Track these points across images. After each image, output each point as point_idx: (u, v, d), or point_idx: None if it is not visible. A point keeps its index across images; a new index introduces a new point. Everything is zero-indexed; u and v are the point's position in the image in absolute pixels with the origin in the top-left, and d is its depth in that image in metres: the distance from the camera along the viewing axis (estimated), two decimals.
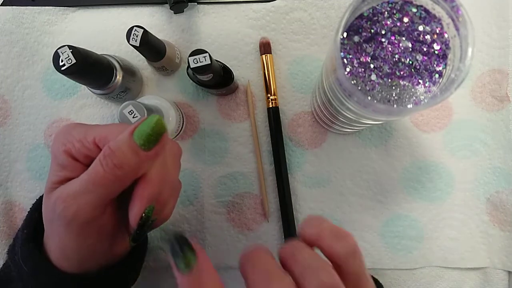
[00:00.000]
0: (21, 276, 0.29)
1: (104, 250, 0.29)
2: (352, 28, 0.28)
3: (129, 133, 0.25)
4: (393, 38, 0.27)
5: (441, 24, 0.27)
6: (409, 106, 0.27)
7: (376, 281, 0.34)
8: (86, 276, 0.29)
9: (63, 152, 0.27)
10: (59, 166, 0.27)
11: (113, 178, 0.25)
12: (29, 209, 0.33)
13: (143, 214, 0.25)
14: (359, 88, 0.28)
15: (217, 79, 0.39)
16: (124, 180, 0.26)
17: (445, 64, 0.27)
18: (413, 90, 0.27)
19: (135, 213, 0.25)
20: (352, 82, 0.27)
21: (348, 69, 0.28)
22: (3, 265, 0.34)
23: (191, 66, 0.35)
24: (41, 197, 0.33)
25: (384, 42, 0.27)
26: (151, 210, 0.26)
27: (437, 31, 0.27)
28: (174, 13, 0.45)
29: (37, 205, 0.32)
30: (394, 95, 0.27)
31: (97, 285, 0.29)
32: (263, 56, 0.44)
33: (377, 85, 0.27)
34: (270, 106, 0.43)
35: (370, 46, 0.28)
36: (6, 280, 0.31)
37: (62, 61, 0.33)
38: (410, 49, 0.27)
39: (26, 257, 0.29)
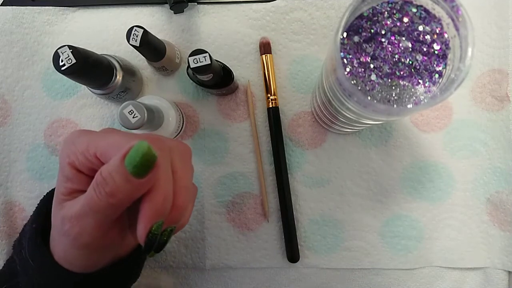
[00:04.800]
0: (27, 271, 0.29)
1: (107, 259, 0.29)
2: (352, 28, 0.28)
3: (120, 159, 0.23)
4: (393, 38, 0.27)
5: (441, 24, 0.27)
6: (409, 106, 0.27)
7: None
8: (90, 275, 0.29)
9: (68, 165, 0.27)
10: (65, 177, 0.27)
11: (107, 205, 0.24)
12: (30, 208, 0.33)
13: (150, 233, 0.24)
14: (359, 88, 0.27)
15: (217, 79, 0.39)
16: (120, 206, 0.25)
17: (445, 64, 0.27)
18: (413, 90, 0.27)
19: (140, 233, 0.24)
20: (352, 82, 0.27)
21: (348, 69, 0.28)
22: (7, 259, 0.34)
23: (191, 66, 0.35)
24: (48, 193, 0.33)
25: (384, 42, 0.27)
26: (159, 227, 0.25)
27: (437, 31, 0.27)
28: (174, 13, 0.45)
29: (46, 201, 0.32)
30: (394, 95, 0.27)
31: (100, 283, 0.30)
32: (263, 56, 0.44)
33: (377, 85, 0.27)
34: (270, 106, 0.43)
35: (370, 46, 0.28)
36: (10, 274, 0.31)
37: (62, 61, 0.33)
38: (410, 49, 0.27)
39: (33, 252, 0.29)
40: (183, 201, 0.26)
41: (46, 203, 0.32)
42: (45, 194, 0.34)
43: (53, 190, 0.33)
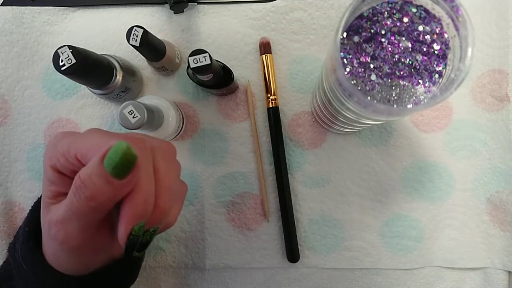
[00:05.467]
0: (21, 274, 0.29)
1: (100, 260, 0.29)
2: (352, 28, 0.28)
3: (99, 161, 0.22)
4: (393, 38, 0.27)
5: (441, 24, 0.27)
6: (409, 106, 0.27)
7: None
8: (84, 278, 0.29)
9: (50, 167, 0.26)
10: (48, 180, 0.27)
11: (88, 209, 0.23)
12: (30, 208, 0.33)
13: (131, 235, 0.24)
14: (359, 88, 0.27)
15: (217, 79, 0.39)
16: (102, 209, 0.24)
17: (445, 64, 0.27)
18: (413, 90, 0.27)
19: (121, 235, 0.24)
20: (352, 82, 0.27)
21: (348, 69, 0.28)
22: (4, 262, 0.34)
23: (191, 66, 0.35)
24: (41, 196, 0.33)
25: (384, 42, 0.27)
26: (141, 228, 0.24)
27: (437, 31, 0.27)
28: (174, 13, 0.45)
29: (38, 203, 0.32)
30: (394, 95, 0.27)
31: (96, 285, 0.29)
32: (263, 56, 0.44)
33: (377, 85, 0.27)
34: (270, 106, 0.43)
35: (370, 46, 0.28)
36: (7, 277, 0.31)
37: (62, 61, 0.33)
38: (410, 49, 0.27)
39: (26, 256, 0.29)
40: (165, 201, 0.26)
41: (39, 205, 0.31)
42: (38, 197, 0.33)
43: None
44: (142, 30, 0.36)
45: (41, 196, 0.33)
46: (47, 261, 0.28)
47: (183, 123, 0.43)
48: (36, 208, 0.32)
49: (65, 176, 0.26)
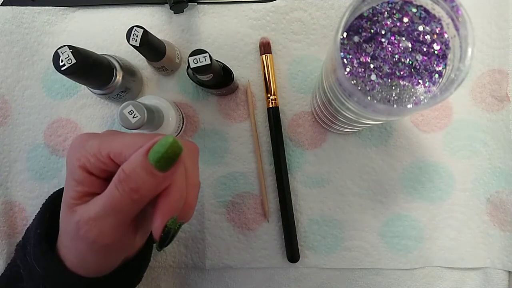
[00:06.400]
0: (32, 276, 0.29)
1: (121, 259, 0.30)
2: (352, 28, 0.28)
3: (143, 154, 0.24)
4: (393, 38, 0.27)
5: (441, 24, 0.27)
6: (409, 106, 0.27)
7: None
8: (100, 279, 0.29)
9: (79, 168, 0.26)
10: (75, 181, 0.27)
11: (131, 202, 0.24)
12: (30, 208, 0.33)
13: (166, 228, 0.25)
14: (359, 88, 0.27)
15: (217, 79, 0.39)
16: (143, 202, 0.25)
17: (445, 64, 0.27)
18: (413, 90, 0.27)
19: (156, 227, 0.25)
20: (352, 82, 0.27)
21: (348, 69, 0.28)
22: (9, 263, 0.34)
23: (191, 66, 0.35)
24: (50, 197, 0.33)
25: (384, 42, 0.27)
26: (174, 222, 0.25)
27: (437, 31, 0.27)
28: (174, 13, 0.45)
29: (48, 205, 0.32)
30: (394, 95, 0.27)
31: (111, 285, 0.30)
32: (263, 56, 0.44)
33: (377, 85, 0.27)
34: (270, 106, 0.43)
35: (370, 46, 0.28)
36: (15, 279, 0.31)
37: (62, 61, 0.33)
38: (410, 49, 0.27)
39: (39, 258, 0.29)
40: (192, 198, 0.27)
41: (48, 207, 0.31)
42: (46, 198, 0.33)
43: (54, 193, 0.33)
44: (142, 30, 0.36)
45: (48, 198, 0.33)
46: (62, 263, 0.28)
47: (183, 123, 0.43)
48: (45, 210, 0.32)
49: (94, 176, 0.27)
